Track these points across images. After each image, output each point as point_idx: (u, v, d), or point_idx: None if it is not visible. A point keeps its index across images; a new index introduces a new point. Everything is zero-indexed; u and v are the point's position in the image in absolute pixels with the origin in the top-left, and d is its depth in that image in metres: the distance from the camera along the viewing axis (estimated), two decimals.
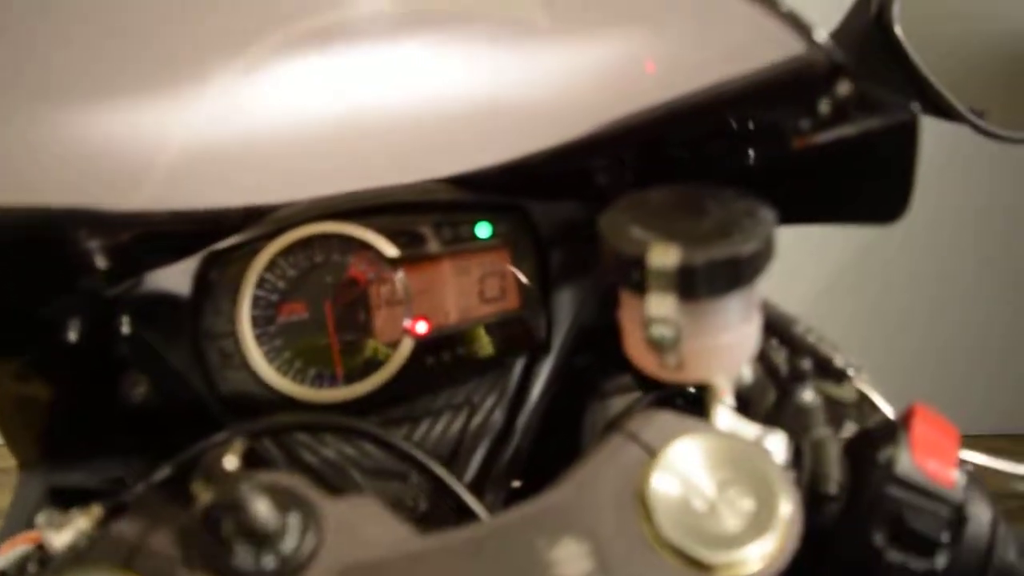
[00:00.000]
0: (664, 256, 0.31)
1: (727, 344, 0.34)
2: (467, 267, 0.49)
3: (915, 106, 0.37)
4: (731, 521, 0.30)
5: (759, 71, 0.34)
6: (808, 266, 2.27)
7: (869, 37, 0.45)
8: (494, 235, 0.50)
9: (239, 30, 0.45)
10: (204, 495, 0.30)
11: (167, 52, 0.43)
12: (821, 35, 0.33)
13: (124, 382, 0.49)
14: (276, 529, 0.30)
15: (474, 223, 0.50)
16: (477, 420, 0.48)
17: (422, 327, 0.48)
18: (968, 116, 0.43)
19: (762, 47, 0.33)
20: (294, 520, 0.31)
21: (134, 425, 0.49)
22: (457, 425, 0.48)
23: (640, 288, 0.32)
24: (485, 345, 0.49)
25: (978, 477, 0.36)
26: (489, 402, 0.48)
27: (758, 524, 0.30)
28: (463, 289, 0.49)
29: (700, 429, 0.33)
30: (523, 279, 0.49)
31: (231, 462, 0.31)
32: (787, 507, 0.30)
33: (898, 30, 0.44)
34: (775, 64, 0.34)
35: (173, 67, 0.44)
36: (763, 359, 0.40)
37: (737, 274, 0.32)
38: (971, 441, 0.37)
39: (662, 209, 0.35)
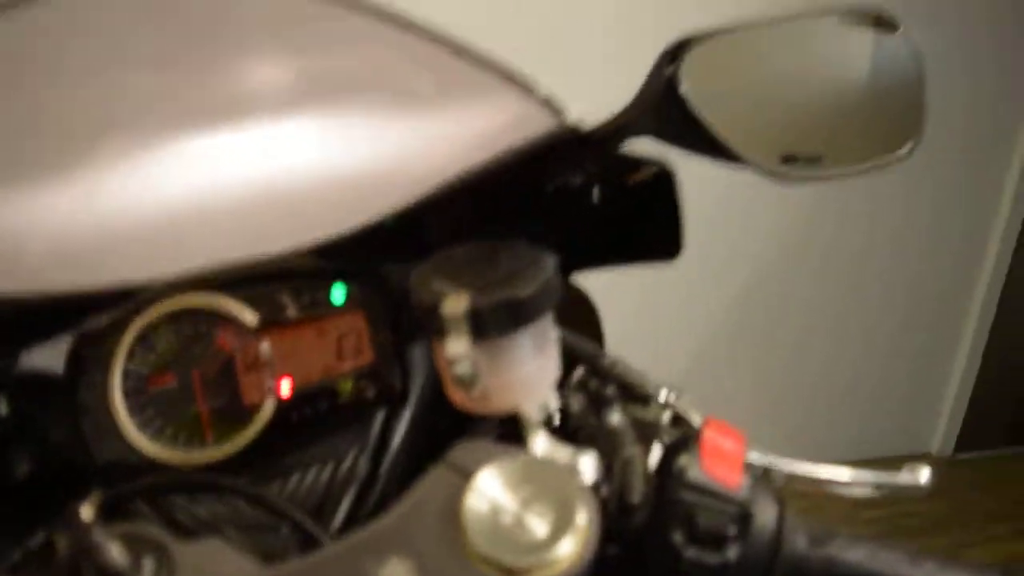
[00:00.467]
0: (456, 303, 0.36)
1: (524, 376, 0.39)
2: (325, 329, 0.53)
3: (670, 162, 0.43)
4: (535, 531, 0.34)
5: (522, 145, 0.40)
6: (696, 305, 2.37)
7: (663, 98, 0.51)
8: (348, 298, 0.54)
9: (97, 120, 0.49)
10: (62, 544, 0.33)
11: (27, 142, 0.47)
12: (571, 114, 0.39)
13: (5, 459, 0.51)
14: (130, 572, 0.33)
15: (329, 288, 0.54)
16: (343, 470, 0.51)
17: (285, 387, 0.51)
18: (750, 160, 0.49)
19: (526, 124, 0.39)
20: (148, 563, 0.34)
21: (16, 499, 0.51)
22: (324, 476, 0.51)
23: (440, 333, 0.36)
24: (346, 399, 0.52)
25: (765, 478, 0.41)
26: (353, 452, 0.52)
27: (558, 531, 0.34)
28: (322, 349, 0.53)
29: (508, 455, 0.37)
30: (377, 336, 0.54)
31: (87, 512, 0.34)
32: (583, 514, 0.34)
33: (684, 89, 0.50)
34: (536, 137, 0.40)
35: (36, 156, 0.47)
36: (585, 389, 0.44)
37: (520, 314, 0.37)
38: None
39: (461, 263, 0.40)
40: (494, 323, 0.36)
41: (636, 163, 0.44)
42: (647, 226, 0.47)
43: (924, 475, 0.47)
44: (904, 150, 0.51)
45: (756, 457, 0.42)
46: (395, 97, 0.46)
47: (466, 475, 0.36)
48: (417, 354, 0.54)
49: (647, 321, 2.21)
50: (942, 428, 2.85)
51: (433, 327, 0.37)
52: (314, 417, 0.52)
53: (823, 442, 2.71)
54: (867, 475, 0.47)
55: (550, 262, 0.38)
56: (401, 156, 0.46)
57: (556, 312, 0.42)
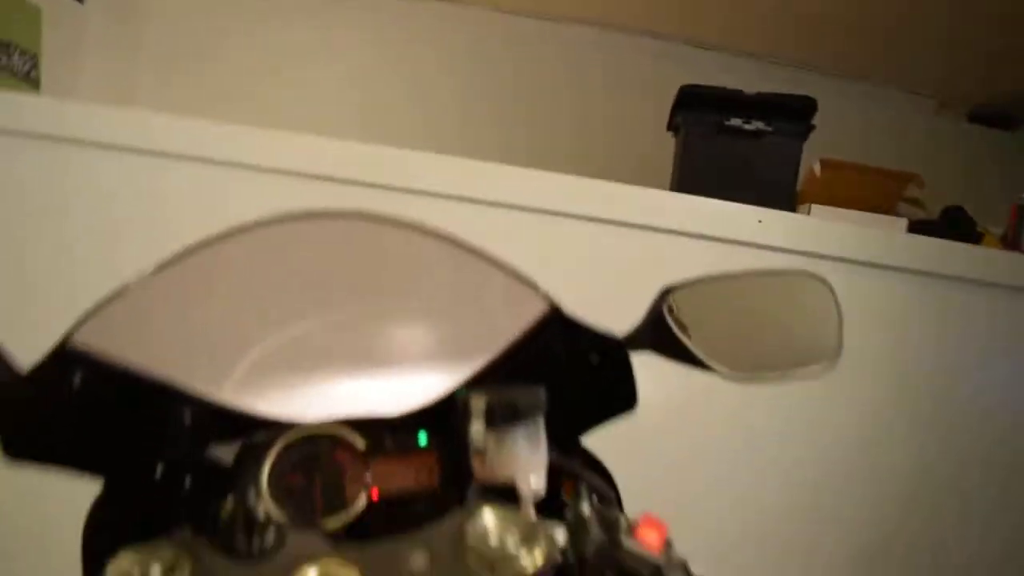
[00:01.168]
0: (479, 401, 0.59)
1: (517, 456, 0.60)
2: (410, 461, 0.76)
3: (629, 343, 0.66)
4: (511, 547, 0.54)
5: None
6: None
7: (657, 324, 0.75)
8: (428, 443, 0.77)
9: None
10: None
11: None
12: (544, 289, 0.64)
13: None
14: None
15: (417, 433, 0.77)
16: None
17: (375, 493, 0.74)
18: (709, 363, 0.71)
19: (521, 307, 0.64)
20: None
21: None
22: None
23: (467, 419, 0.60)
24: (415, 509, 0.74)
25: (681, 561, 0.59)
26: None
27: (527, 545, 0.54)
28: (405, 473, 0.76)
29: (500, 507, 0.58)
30: (444, 470, 0.76)
31: None
32: (547, 539, 0.54)
33: (669, 316, 0.74)
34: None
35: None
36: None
37: (515, 413, 0.59)
38: None
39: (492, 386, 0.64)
40: (500, 416, 0.58)
41: (600, 339, 0.67)
42: (612, 387, 0.70)
43: None
44: (823, 366, 0.72)
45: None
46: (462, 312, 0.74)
47: (473, 512, 0.57)
48: (472, 489, 0.76)
49: None
50: None
51: (464, 416, 0.60)
52: (391, 517, 0.73)
53: None
54: None
55: (540, 391, 0.61)
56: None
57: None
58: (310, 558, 0.53)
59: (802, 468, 2.37)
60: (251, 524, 0.53)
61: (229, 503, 0.55)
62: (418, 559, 0.54)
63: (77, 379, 0.63)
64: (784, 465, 2.33)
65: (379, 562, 0.53)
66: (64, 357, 0.61)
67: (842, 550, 2.36)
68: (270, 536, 0.54)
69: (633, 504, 0.67)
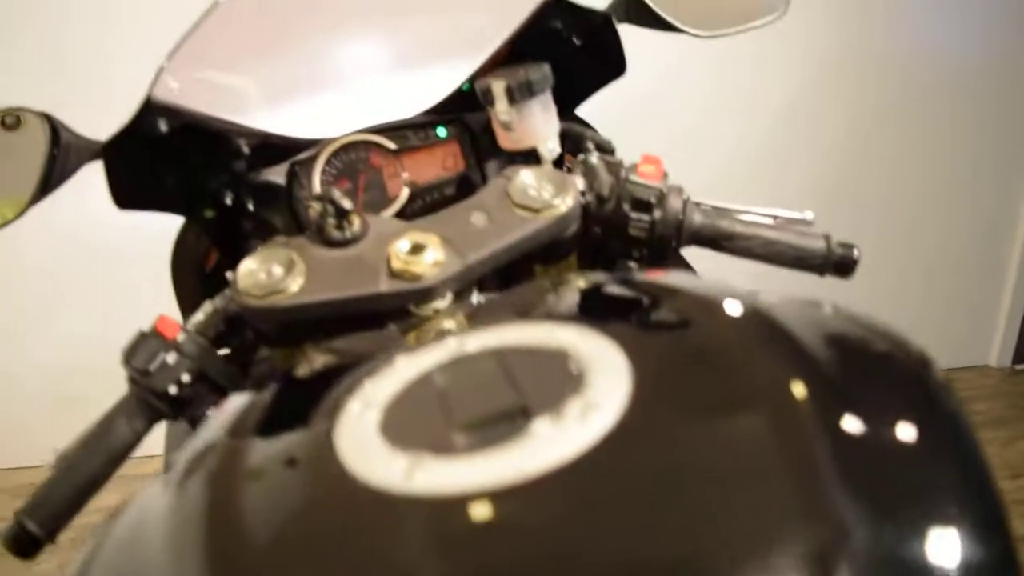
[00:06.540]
0: (499, 84, 0.71)
1: (537, 124, 0.74)
2: (435, 152, 0.89)
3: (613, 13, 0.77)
4: (546, 194, 0.68)
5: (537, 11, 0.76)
6: None
7: None
8: (448, 134, 0.90)
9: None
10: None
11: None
12: None
13: (246, 247, 0.87)
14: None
15: (436, 127, 0.90)
16: None
17: (412, 184, 0.88)
18: (684, 29, 0.82)
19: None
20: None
21: None
22: None
23: (492, 102, 0.72)
24: (448, 192, 0.88)
25: (678, 185, 0.74)
26: None
27: (558, 193, 0.68)
28: (433, 163, 0.89)
29: (533, 167, 0.71)
30: (465, 156, 0.89)
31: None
32: (573, 185, 0.68)
33: None
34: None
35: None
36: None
37: (531, 88, 0.72)
38: None
39: (502, 74, 0.75)
40: (519, 93, 0.71)
41: (590, 15, 0.79)
42: (604, 57, 0.83)
43: (809, 214, 0.78)
44: (778, 14, 0.84)
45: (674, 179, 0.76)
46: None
47: (511, 176, 0.70)
48: (491, 165, 0.89)
49: None
50: (999, 340, 3.04)
51: (488, 99, 0.73)
52: (430, 203, 0.88)
53: None
54: (764, 209, 0.79)
55: (545, 67, 0.74)
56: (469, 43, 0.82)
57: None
58: (393, 234, 0.66)
59: (768, 102, 2.56)
60: (340, 215, 0.66)
61: (315, 206, 0.66)
62: (478, 217, 0.67)
63: (161, 127, 0.74)
64: (751, 108, 2.54)
65: (448, 226, 0.67)
66: (147, 111, 0.71)
67: (806, 182, 2.63)
68: (356, 224, 0.66)
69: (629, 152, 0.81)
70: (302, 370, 0.54)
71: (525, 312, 0.50)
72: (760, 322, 0.41)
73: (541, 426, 0.32)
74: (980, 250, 2.93)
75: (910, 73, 2.65)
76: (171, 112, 0.73)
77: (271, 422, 0.43)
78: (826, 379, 0.36)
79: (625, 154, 0.79)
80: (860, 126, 2.69)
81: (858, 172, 2.75)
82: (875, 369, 0.40)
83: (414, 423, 0.35)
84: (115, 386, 0.67)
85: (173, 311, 0.83)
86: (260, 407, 0.46)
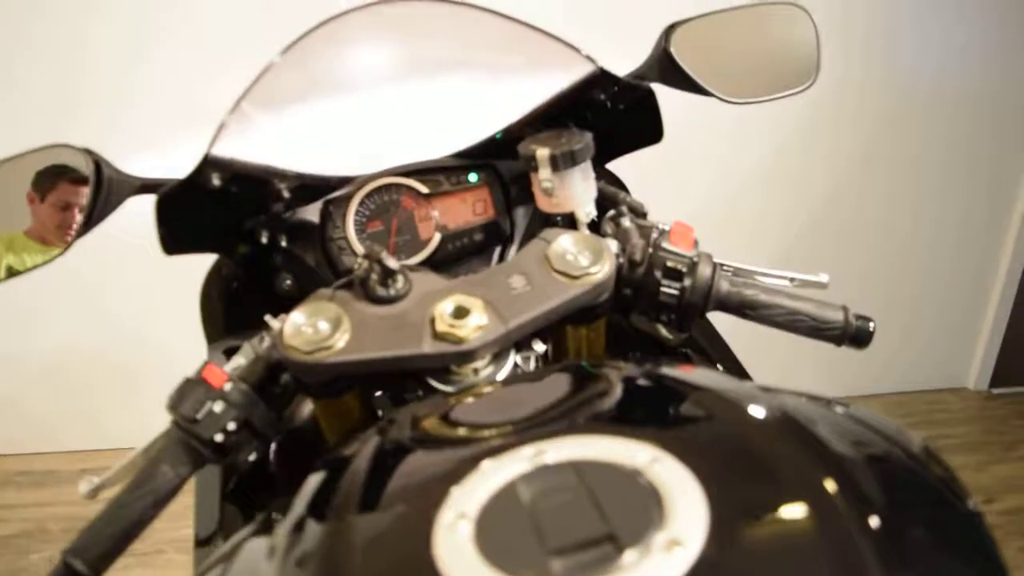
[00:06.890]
0: (543, 152, 0.74)
1: (577, 192, 0.77)
2: (466, 197, 0.92)
3: (653, 84, 0.80)
4: (583, 262, 0.71)
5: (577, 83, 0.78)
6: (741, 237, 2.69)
7: (662, 57, 0.87)
8: (479, 180, 0.92)
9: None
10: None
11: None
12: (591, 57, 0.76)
13: (277, 279, 0.89)
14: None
15: (468, 173, 0.92)
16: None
17: (443, 229, 0.90)
18: (714, 93, 0.85)
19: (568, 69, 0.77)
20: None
21: (281, 307, 0.75)
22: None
23: (535, 168, 0.75)
24: (477, 238, 0.91)
25: (708, 253, 0.77)
26: (482, 271, 0.90)
27: (595, 261, 0.71)
28: (464, 209, 0.91)
29: (571, 233, 0.74)
30: (495, 203, 0.92)
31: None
32: (608, 256, 0.71)
33: (673, 51, 0.86)
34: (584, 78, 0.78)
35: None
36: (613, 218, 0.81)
37: (574, 158, 0.74)
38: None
39: (544, 139, 0.78)
40: (563, 162, 0.74)
41: (634, 88, 0.81)
42: (643, 124, 0.86)
43: (824, 276, 0.82)
44: (807, 84, 0.87)
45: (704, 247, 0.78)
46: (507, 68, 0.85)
47: (550, 240, 0.73)
48: (520, 213, 0.92)
49: None
50: (977, 363, 3.10)
51: (532, 166, 0.76)
52: (460, 248, 0.90)
53: (859, 373, 3.00)
54: (781, 272, 0.82)
55: (587, 136, 0.76)
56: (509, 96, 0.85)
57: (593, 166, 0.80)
58: (437, 294, 0.68)
59: (758, 130, 2.59)
60: (386, 274, 0.68)
61: (361, 263, 0.68)
62: (517, 280, 0.70)
63: (215, 180, 0.76)
64: (741, 136, 2.56)
65: (490, 289, 0.69)
66: (205, 166, 0.73)
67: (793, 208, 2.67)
68: (400, 282, 0.69)
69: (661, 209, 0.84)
70: (376, 444, 0.56)
71: (578, 409, 0.53)
72: (804, 438, 0.45)
73: (630, 558, 0.35)
74: (962, 273, 2.99)
75: (896, 102, 2.69)
76: (225, 165, 0.75)
77: (365, 518, 0.45)
78: (867, 499, 0.39)
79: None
80: (846, 154, 2.73)
81: (842, 199, 2.79)
82: (896, 481, 0.44)
83: (509, 541, 0.37)
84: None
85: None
86: (352, 492, 0.48)
